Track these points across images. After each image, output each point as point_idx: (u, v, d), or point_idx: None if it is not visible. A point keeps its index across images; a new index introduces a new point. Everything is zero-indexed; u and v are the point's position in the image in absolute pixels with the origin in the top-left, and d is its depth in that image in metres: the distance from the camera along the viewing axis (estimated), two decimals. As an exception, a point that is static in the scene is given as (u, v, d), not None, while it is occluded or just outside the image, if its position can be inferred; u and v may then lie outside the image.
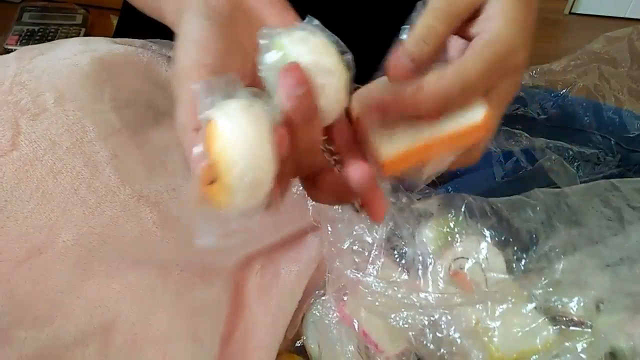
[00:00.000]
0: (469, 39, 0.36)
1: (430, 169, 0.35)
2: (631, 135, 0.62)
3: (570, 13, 1.59)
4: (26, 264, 0.40)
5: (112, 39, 0.53)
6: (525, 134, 0.59)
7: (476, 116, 0.33)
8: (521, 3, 0.36)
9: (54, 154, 0.42)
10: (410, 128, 0.34)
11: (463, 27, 0.36)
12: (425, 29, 0.34)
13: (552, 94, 0.67)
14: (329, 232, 0.42)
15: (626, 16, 1.55)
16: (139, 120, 0.47)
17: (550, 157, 0.57)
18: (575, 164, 0.59)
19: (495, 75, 0.35)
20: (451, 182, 0.60)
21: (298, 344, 0.51)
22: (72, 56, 0.46)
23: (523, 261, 0.40)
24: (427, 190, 0.47)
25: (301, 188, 0.46)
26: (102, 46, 0.49)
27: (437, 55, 0.35)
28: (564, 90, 0.68)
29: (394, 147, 0.33)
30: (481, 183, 0.61)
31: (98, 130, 0.44)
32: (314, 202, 0.46)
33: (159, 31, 0.56)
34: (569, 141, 0.60)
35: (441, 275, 0.40)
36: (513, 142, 0.59)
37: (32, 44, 1.11)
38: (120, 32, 0.67)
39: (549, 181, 0.56)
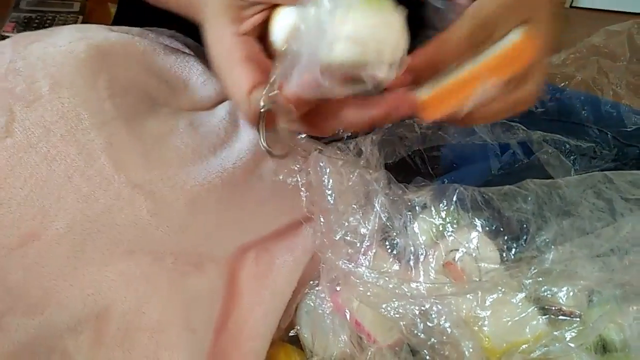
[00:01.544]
0: None
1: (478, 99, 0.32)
2: (628, 130, 0.61)
3: (571, 6, 1.58)
4: (19, 251, 0.40)
5: (109, 26, 0.53)
6: (522, 127, 0.59)
7: (513, 38, 0.32)
8: None
9: (48, 142, 0.42)
10: (449, 71, 0.33)
11: None
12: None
13: (551, 87, 0.67)
14: (322, 223, 0.42)
15: (627, 10, 1.54)
16: (135, 109, 0.47)
17: (547, 150, 0.57)
18: (572, 157, 0.59)
19: (522, 5, 0.34)
20: (447, 175, 0.60)
21: (292, 333, 0.52)
22: (68, 43, 0.46)
23: (514, 251, 0.40)
24: (423, 183, 0.48)
25: (296, 179, 0.47)
26: (98, 34, 0.49)
27: None
28: (562, 84, 0.68)
29: (432, 88, 0.32)
30: (477, 176, 0.61)
31: (93, 118, 0.44)
32: (307, 193, 0.46)
33: (157, 19, 0.56)
34: (566, 134, 0.60)
35: (433, 265, 0.40)
36: (510, 135, 0.59)
37: (29, 32, 1.11)
38: (119, 20, 0.67)
39: (545, 174, 0.56)
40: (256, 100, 0.36)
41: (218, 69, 0.40)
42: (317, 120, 0.37)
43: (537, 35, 0.34)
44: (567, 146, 0.59)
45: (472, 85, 0.32)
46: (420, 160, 0.57)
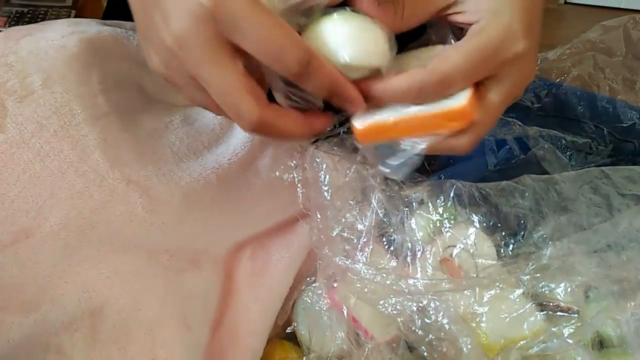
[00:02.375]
0: (456, 25, 0.37)
1: (407, 147, 0.35)
2: (624, 125, 0.61)
3: (565, 2, 1.58)
4: (12, 247, 0.40)
5: (102, 20, 0.52)
6: (519, 123, 0.59)
7: (458, 102, 0.34)
8: None
9: (41, 137, 0.41)
10: (393, 104, 0.35)
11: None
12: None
13: (547, 83, 0.67)
14: (318, 220, 0.42)
15: (621, 7, 1.55)
16: (128, 104, 0.47)
17: (543, 146, 0.57)
18: (568, 153, 0.59)
19: (485, 66, 0.34)
20: (443, 171, 0.60)
21: (289, 330, 0.51)
22: (60, 38, 0.46)
23: (511, 246, 0.40)
24: (419, 178, 0.47)
25: (292, 175, 0.46)
26: (90, 28, 0.48)
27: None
28: (558, 79, 0.67)
29: (371, 118, 0.35)
30: (474, 171, 0.60)
31: (86, 114, 0.43)
32: (303, 189, 0.45)
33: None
34: (562, 130, 0.60)
35: (430, 261, 0.40)
36: (506, 131, 0.59)
37: (20, 26, 1.10)
38: (109, 14, 0.66)
39: (542, 170, 0.56)
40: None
41: (198, 56, 0.32)
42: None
43: (495, 105, 0.35)
44: (564, 142, 0.59)
45: (405, 130, 0.35)
46: (417, 156, 0.57)
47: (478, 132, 0.35)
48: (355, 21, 0.34)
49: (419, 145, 0.35)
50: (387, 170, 0.36)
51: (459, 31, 0.37)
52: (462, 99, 0.34)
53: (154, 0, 0.33)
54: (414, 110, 0.34)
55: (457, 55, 0.33)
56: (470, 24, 0.35)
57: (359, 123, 0.35)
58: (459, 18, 0.36)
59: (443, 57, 0.34)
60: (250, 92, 0.32)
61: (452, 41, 0.37)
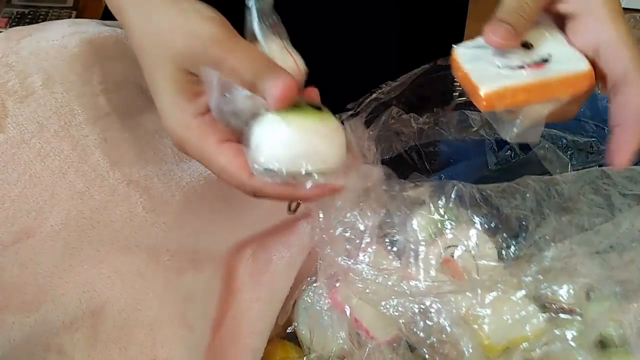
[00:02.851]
0: (558, 14, 0.38)
1: (526, 116, 0.36)
2: (625, 125, 0.61)
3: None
4: (13, 247, 0.40)
5: (102, 21, 0.52)
6: (520, 122, 0.59)
7: (580, 67, 0.36)
8: None
9: (41, 137, 0.41)
10: (514, 72, 0.36)
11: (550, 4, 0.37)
12: (515, 3, 0.36)
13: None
14: (320, 219, 0.42)
15: (622, 6, 1.54)
16: (129, 104, 0.47)
17: (544, 146, 0.57)
18: (569, 152, 0.59)
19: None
20: (444, 170, 0.60)
21: (289, 330, 0.51)
22: (61, 38, 0.46)
23: (513, 248, 0.40)
24: (419, 180, 0.47)
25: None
26: (91, 28, 0.48)
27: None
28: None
29: (496, 84, 0.35)
30: (474, 171, 0.60)
31: (87, 114, 0.43)
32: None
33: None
34: (563, 129, 0.60)
35: (432, 262, 0.39)
36: (507, 130, 0.59)
37: (21, 26, 1.10)
38: (109, 13, 0.66)
39: (543, 169, 0.56)
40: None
41: (196, 153, 0.37)
42: None
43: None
44: (564, 141, 0.59)
45: (531, 94, 0.36)
46: (417, 155, 0.57)
47: (583, 100, 0.37)
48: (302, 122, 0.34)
49: (541, 110, 0.36)
50: (510, 137, 0.37)
51: (564, 20, 0.38)
52: (582, 64, 0.36)
53: (153, 93, 0.37)
54: (537, 75, 0.35)
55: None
56: (577, 13, 0.37)
57: (484, 89, 0.36)
58: (563, 6, 0.37)
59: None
60: (243, 169, 0.35)
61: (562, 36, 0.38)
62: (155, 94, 0.37)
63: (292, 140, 0.33)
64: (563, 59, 0.37)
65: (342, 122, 0.37)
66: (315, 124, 0.34)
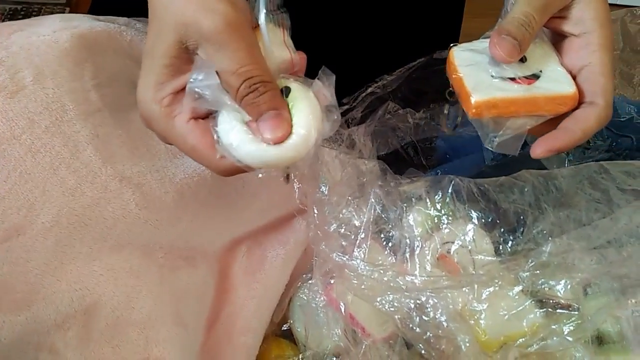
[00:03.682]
0: (555, 31, 0.41)
1: (510, 127, 0.38)
2: (622, 120, 0.61)
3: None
4: (4, 245, 0.39)
5: (94, 16, 0.51)
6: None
7: (567, 88, 0.38)
8: (605, 2, 0.41)
9: (32, 133, 0.41)
10: (506, 84, 0.38)
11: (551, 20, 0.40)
12: (524, 16, 0.38)
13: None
14: (315, 215, 0.41)
15: (617, 2, 1.54)
16: (121, 100, 0.46)
17: (541, 141, 0.56)
18: (565, 148, 0.59)
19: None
20: (440, 166, 0.60)
21: (285, 327, 0.51)
22: (52, 33, 0.45)
23: (510, 243, 0.40)
24: (415, 176, 0.47)
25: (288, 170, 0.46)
26: (83, 23, 0.48)
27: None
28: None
29: (487, 93, 0.38)
30: (471, 167, 0.60)
31: (78, 109, 0.43)
32: (300, 185, 0.45)
33: (135, 8, 0.54)
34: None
35: (428, 258, 0.39)
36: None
37: (11, 21, 1.09)
38: (96, 8, 0.65)
39: (539, 165, 0.56)
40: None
41: (161, 130, 0.38)
42: None
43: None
44: (561, 137, 0.59)
45: (518, 107, 0.38)
46: (414, 151, 0.57)
47: (586, 131, 0.39)
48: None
49: (524, 124, 0.38)
50: (492, 146, 0.39)
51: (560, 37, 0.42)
52: (569, 87, 0.39)
53: (144, 56, 0.38)
54: (527, 91, 0.38)
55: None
56: (573, 34, 0.40)
57: (476, 97, 0.38)
58: (562, 25, 0.41)
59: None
60: (212, 149, 0.35)
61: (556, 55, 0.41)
62: (145, 59, 0.37)
63: (269, 157, 0.34)
64: (553, 78, 0.39)
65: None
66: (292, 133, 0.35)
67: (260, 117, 0.34)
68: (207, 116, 0.36)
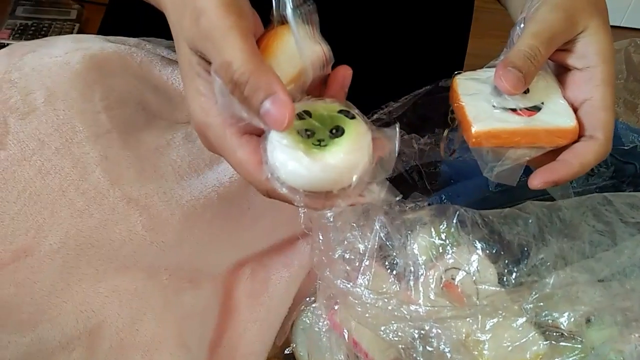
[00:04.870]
0: (559, 63, 0.42)
1: (510, 158, 0.39)
2: (625, 148, 0.61)
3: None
4: (11, 266, 0.39)
5: (105, 37, 0.52)
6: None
7: (567, 122, 0.39)
8: (609, 37, 0.41)
9: (42, 155, 0.41)
10: (507, 115, 0.39)
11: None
12: (530, 49, 0.38)
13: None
14: (320, 241, 0.41)
15: (622, 25, 1.55)
16: (130, 122, 0.47)
17: (544, 167, 0.56)
18: (569, 174, 0.59)
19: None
20: (444, 190, 0.60)
21: (287, 351, 0.51)
22: (64, 54, 0.46)
23: (514, 274, 0.40)
24: (420, 200, 0.47)
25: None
26: (94, 45, 0.48)
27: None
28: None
29: (488, 124, 0.38)
30: (474, 191, 0.60)
31: (88, 131, 0.43)
32: (305, 209, 0.45)
33: (146, 27, 0.55)
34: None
35: (432, 286, 0.39)
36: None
37: (25, 39, 1.10)
38: (105, 27, 0.66)
39: (542, 191, 0.56)
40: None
41: (216, 140, 0.36)
42: None
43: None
44: (565, 163, 0.59)
45: (518, 138, 0.38)
46: (418, 175, 0.57)
47: (583, 164, 0.39)
48: None
49: (524, 155, 0.38)
50: (491, 176, 0.39)
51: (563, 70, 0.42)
52: (570, 120, 0.39)
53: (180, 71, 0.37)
54: (528, 123, 0.38)
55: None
56: (576, 68, 0.40)
57: (477, 127, 0.38)
58: (566, 58, 0.41)
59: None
60: (259, 168, 0.34)
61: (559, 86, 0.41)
62: (181, 73, 0.37)
63: (311, 178, 0.33)
64: (554, 111, 0.39)
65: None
66: (334, 155, 0.33)
67: (259, 113, 0.32)
68: (262, 133, 0.35)
